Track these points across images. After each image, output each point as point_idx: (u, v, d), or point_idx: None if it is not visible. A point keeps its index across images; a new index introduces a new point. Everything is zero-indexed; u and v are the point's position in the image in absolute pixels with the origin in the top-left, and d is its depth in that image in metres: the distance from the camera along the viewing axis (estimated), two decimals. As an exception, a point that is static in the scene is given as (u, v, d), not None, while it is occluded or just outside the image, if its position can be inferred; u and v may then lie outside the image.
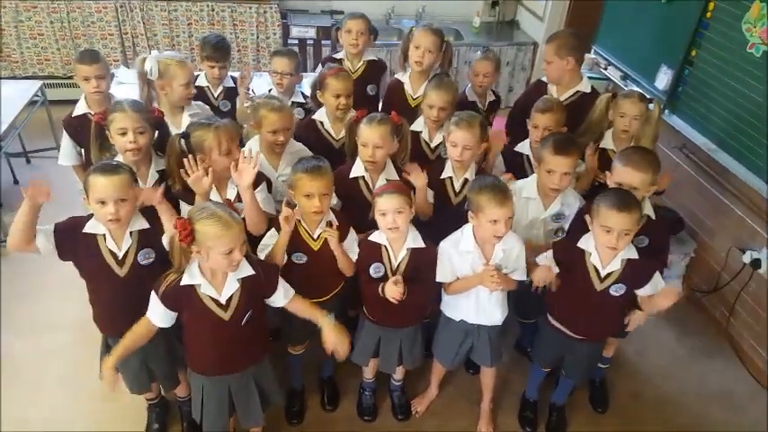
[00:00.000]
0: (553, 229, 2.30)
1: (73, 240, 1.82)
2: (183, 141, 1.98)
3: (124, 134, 2.00)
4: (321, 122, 2.52)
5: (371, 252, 2.06)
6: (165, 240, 1.84)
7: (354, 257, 2.09)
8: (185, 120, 2.44)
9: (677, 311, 3.16)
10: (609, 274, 2.00)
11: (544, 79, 2.82)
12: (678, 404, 2.69)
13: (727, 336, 3.05)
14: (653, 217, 2.14)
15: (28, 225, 1.74)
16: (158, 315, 1.78)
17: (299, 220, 2.00)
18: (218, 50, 2.70)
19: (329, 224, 2.01)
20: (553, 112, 2.40)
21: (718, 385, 2.81)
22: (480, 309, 2.15)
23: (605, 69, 3.85)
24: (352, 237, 2.09)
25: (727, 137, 2.89)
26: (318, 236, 2.02)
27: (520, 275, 2.11)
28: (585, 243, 2.03)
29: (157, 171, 2.14)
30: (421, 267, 2.06)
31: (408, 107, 2.70)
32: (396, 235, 2.00)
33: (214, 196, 2.05)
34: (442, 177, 2.31)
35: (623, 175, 2.05)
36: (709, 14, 2.97)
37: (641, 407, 2.66)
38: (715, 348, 3.01)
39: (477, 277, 2.04)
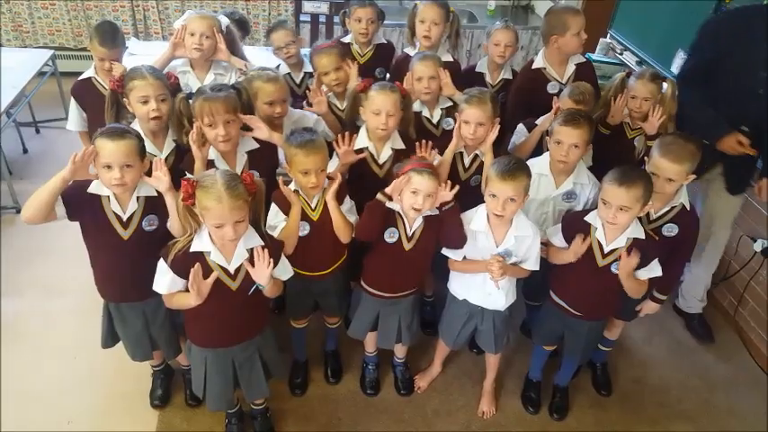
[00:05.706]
0: (563, 209, 2.27)
1: (79, 199, 1.80)
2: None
3: (146, 102, 1.96)
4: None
5: (387, 217, 2.02)
6: (168, 224, 1.85)
7: (353, 220, 2.05)
8: (209, 78, 2.44)
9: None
10: (612, 251, 1.99)
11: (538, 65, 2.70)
12: (682, 390, 2.68)
13: (734, 324, 3.03)
14: (687, 207, 2.09)
15: (54, 198, 1.71)
16: (165, 284, 1.75)
17: (297, 191, 1.98)
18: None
19: (328, 177, 1.98)
20: (585, 104, 2.35)
21: (722, 373, 2.79)
22: (485, 291, 2.14)
23: (621, 54, 3.80)
24: (349, 202, 2.06)
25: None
26: (316, 205, 2.00)
27: (531, 265, 2.08)
28: (593, 217, 2.02)
29: (174, 140, 2.10)
30: (431, 234, 2.05)
31: None
32: (415, 214, 1.99)
33: (220, 165, 2.03)
34: None
35: (658, 165, 1.99)
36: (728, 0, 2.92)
37: (645, 391, 2.66)
38: (721, 336, 2.99)
39: (483, 264, 2.03)
